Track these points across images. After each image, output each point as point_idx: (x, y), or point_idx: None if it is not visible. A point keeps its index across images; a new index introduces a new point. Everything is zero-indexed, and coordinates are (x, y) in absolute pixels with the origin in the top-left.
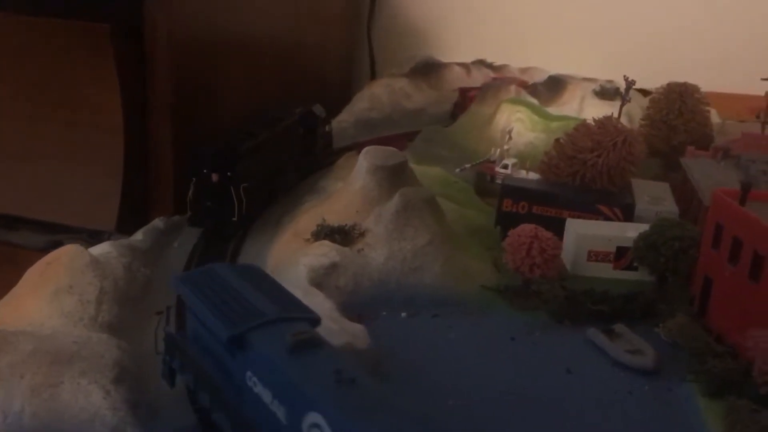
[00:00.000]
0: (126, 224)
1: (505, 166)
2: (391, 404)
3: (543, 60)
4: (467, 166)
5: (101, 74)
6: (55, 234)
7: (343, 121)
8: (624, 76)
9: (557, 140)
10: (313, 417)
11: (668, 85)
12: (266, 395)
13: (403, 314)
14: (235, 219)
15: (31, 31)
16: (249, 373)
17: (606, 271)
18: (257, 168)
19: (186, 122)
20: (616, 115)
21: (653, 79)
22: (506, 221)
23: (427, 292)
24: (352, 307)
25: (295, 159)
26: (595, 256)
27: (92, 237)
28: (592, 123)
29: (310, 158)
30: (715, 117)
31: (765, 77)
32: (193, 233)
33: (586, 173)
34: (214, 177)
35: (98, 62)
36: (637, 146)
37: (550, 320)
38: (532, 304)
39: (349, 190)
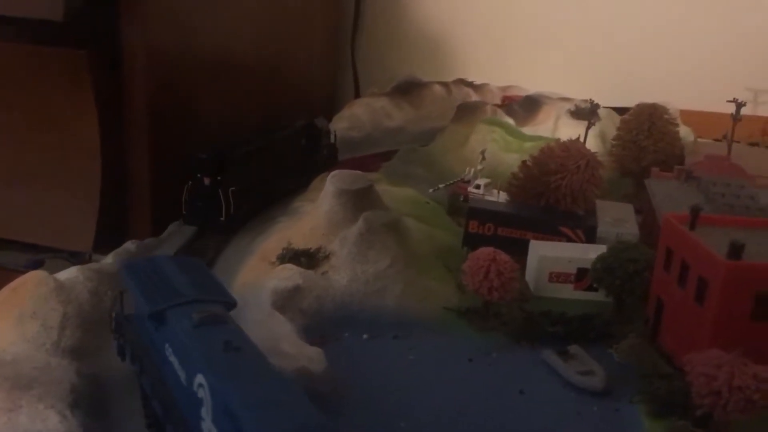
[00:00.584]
0: (103, 245)
1: (478, 187)
2: (268, 371)
3: (524, 79)
4: (441, 186)
5: (79, 99)
6: (38, 253)
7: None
8: (590, 99)
9: (524, 162)
10: (199, 378)
11: (638, 105)
12: (176, 362)
13: (365, 336)
14: (222, 219)
15: (9, 57)
16: (167, 345)
17: (567, 292)
18: (248, 173)
19: (163, 145)
20: (583, 136)
21: (634, 98)
22: (472, 242)
23: (388, 314)
24: (315, 330)
25: (294, 167)
26: (556, 278)
27: (73, 256)
28: (556, 146)
29: (311, 167)
30: (690, 136)
31: (731, 99)
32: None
33: (550, 195)
34: (206, 180)
35: (76, 87)
36: (599, 169)
37: (508, 341)
38: (491, 325)
39: (316, 213)
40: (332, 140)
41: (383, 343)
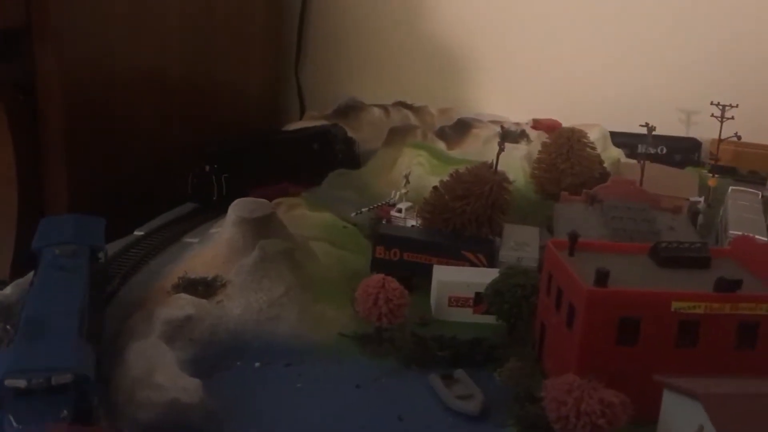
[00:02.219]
0: (20, 273)
1: (399, 210)
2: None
3: (463, 101)
4: (364, 209)
5: None
6: None
7: None
8: (501, 125)
9: (434, 187)
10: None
11: (558, 130)
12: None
13: (257, 364)
14: (215, 198)
15: None
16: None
17: (467, 315)
18: (242, 165)
19: (82, 168)
20: (495, 161)
21: (572, 120)
22: (380, 267)
23: (282, 342)
24: (206, 359)
25: (303, 167)
26: (455, 302)
27: None
28: (465, 171)
29: (323, 169)
30: (622, 157)
31: (643, 123)
32: None
33: (456, 220)
34: (206, 168)
35: None
36: (504, 194)
37: (399, 366)
38: (384, 351)
39: (218, 241)
40: (353, 148)
41: (274, 371)
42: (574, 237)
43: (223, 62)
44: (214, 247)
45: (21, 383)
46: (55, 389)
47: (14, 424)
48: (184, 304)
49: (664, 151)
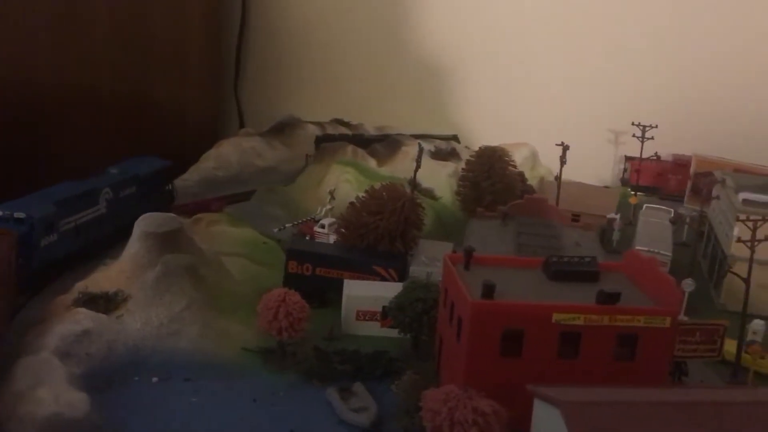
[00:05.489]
0: None
1: (323, 226)
2: None
3: (399, 119)
4: (287, 225)
5: None
6: None
7: (187, 179)
8: (418, 144)
9: (351, 203)
10: None
11: (480, 148)
12: None
13: (155, 379)
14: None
15: None
16: None
17: (374, 329)
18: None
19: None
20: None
21: (506, 139)
22: (292, 282)
23: (183, 357)
24: (102, 374)
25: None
26: (363, 316)
27: None
28: (381, 187)
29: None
30: (550, 175)
31: (559, 142)
32: None
33: (370, 236)
34: None
35: None
36: (418, 210)
37: (300, 380)
38: (287, 365)
39: (125, 256)
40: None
41: (172, 387)
42: (469, 252)
43: (158, 79)
44: (121, 262)
45: None
46: None
47: None
48: (82, 319)
49: None
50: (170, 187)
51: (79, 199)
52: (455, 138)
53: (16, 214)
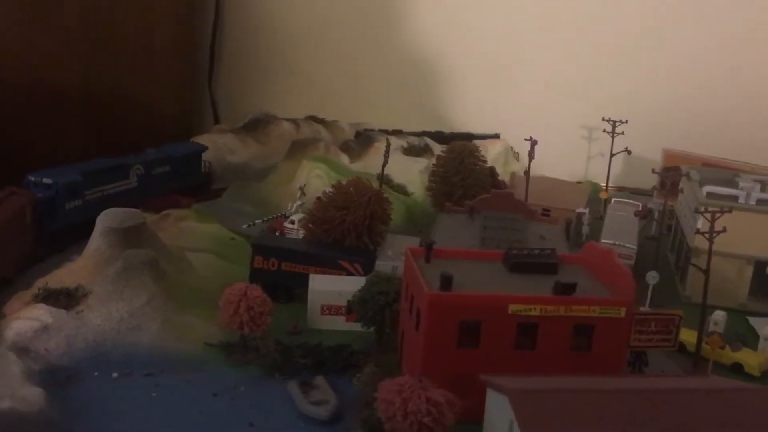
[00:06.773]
0: None
1: (293, 222)
2: None
3: (374, 116)
4: (257, 221)
5: None
6: None
7: None
8: (386, 139)
9: (318, 198)
10: None
11: (451, 144)
12: None
13: (115, 374)
14: None
15: None
16: None
17: (339, 323)
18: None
19: None
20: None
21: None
22: (258, 278)
23: (144, 352)
24: (62, 369)
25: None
26: (328, 310)
27: None
28: (348, 182)
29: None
30: (521, 171)
31: (528, 137)
32: None
33: (336, 230)
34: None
35: None
36: (384, 204)
37: (262, 374)
38: (249, 359)
39: (87, 252)
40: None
41: (131, 382)
42: (429, 245)
43: (130, 74)
44: (84, 258)
45: None
46: None
47: None
48: (41, 314)
49: None
50: (207, 169)
51: (109, 172)
52: (497, 136)
53: (45, 180)
